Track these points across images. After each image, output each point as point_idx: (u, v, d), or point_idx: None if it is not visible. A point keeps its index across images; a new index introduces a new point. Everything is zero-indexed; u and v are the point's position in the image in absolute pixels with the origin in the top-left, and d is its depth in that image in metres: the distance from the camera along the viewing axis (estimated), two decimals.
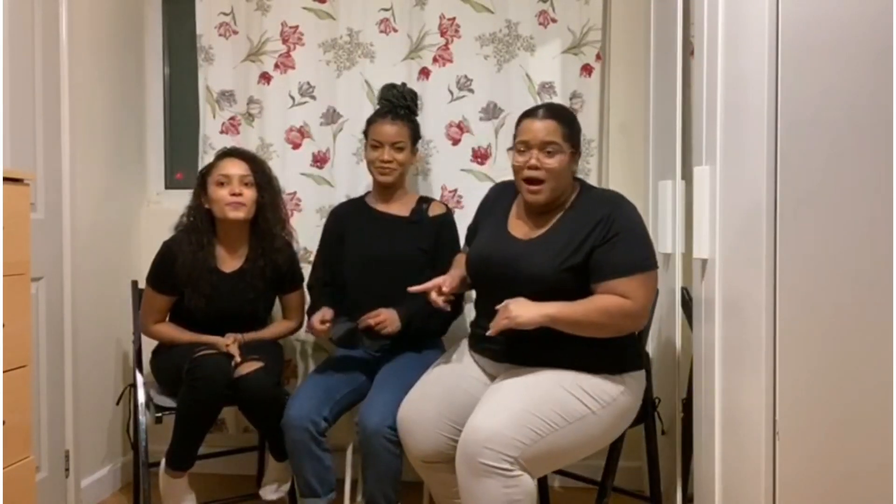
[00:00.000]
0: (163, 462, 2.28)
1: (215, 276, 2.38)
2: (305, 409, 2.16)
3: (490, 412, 1.77)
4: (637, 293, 1.82)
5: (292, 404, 2.18)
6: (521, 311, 1.80)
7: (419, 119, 2.58)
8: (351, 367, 2.36)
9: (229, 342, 2.30)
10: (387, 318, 2.24)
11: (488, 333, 1.86)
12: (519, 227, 2.00)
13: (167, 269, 2.37)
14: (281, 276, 2.46)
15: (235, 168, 2.38)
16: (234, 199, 2.34)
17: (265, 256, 2.41)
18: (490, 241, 2.03)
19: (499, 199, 2.11)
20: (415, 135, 2.51)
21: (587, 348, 1.86)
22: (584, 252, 1.84)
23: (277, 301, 2.57)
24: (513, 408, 1.76)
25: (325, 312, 2.26)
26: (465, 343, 2.16)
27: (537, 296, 1.84)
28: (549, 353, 1.87)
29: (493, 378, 1.98)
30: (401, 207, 2.50)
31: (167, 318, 2.46)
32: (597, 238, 1.84)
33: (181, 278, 2.35)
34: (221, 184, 2.35)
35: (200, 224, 2.39)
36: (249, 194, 2.37)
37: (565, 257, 1.85)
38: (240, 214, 2.36)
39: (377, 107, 2.57)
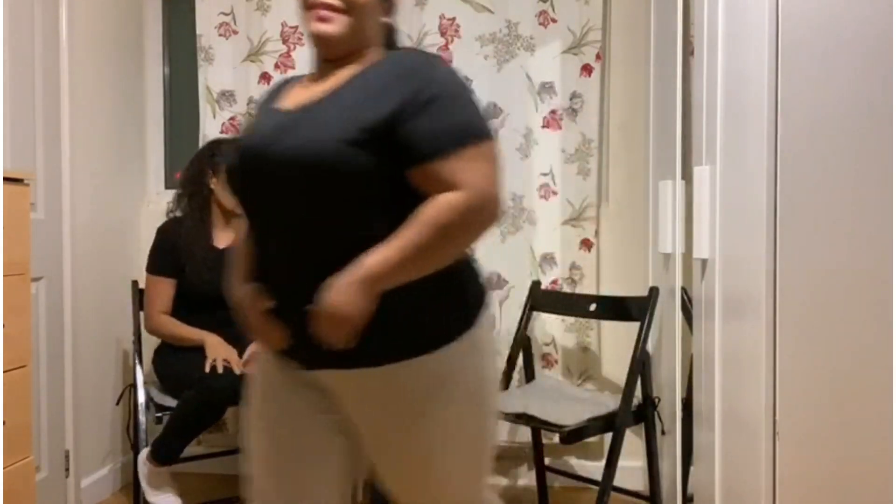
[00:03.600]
0: (146, 451, 2.29)
1: (213, 252, 2.45)
2: None
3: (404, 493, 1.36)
4: (468, 175, 1.21)
5: None
6: (341, 300, 1.19)
7: None
8: None
9: (223, 355, 2.30)
10: None
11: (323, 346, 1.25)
12: (293, 99, 1.35)
13: (168, 249, 2.44)
14: None
15: None
16: None
17: None
18: (245, 132, 1.35)
19: (274, 91, 1.46)
20: None
21: (402, 323, 1.26)
22: (383, 114, 1.21)
23: None
24: (421, 480, 1.34)
25: None
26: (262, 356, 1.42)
27: (316, 206, 1.22)
28: (362, 344, 1.24)
29: (323, 409, 1.36)
30: None
31: (169, 313, 2.47)
32: (404, 98, 1.22)
33: (183, 255, 2.42)
34: None
35: (202, 203, 2.48)
36: None
37: (351, 120, 1.22)
38: None
39: None
